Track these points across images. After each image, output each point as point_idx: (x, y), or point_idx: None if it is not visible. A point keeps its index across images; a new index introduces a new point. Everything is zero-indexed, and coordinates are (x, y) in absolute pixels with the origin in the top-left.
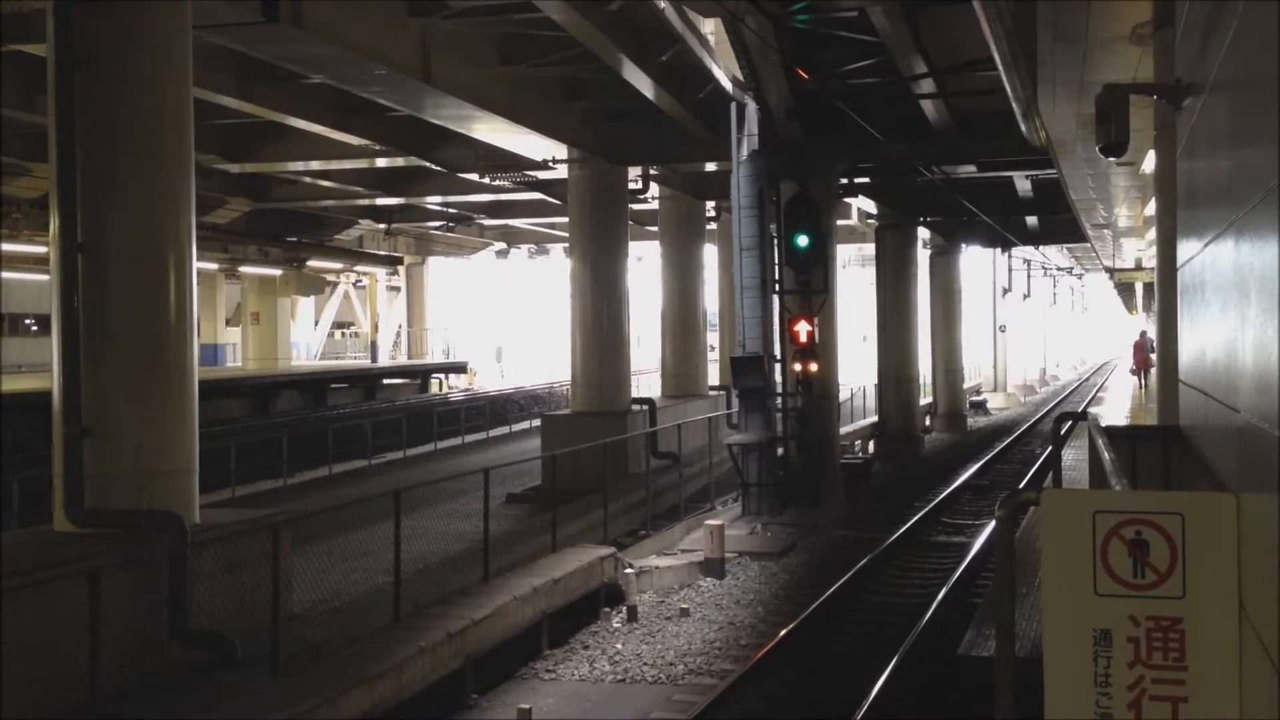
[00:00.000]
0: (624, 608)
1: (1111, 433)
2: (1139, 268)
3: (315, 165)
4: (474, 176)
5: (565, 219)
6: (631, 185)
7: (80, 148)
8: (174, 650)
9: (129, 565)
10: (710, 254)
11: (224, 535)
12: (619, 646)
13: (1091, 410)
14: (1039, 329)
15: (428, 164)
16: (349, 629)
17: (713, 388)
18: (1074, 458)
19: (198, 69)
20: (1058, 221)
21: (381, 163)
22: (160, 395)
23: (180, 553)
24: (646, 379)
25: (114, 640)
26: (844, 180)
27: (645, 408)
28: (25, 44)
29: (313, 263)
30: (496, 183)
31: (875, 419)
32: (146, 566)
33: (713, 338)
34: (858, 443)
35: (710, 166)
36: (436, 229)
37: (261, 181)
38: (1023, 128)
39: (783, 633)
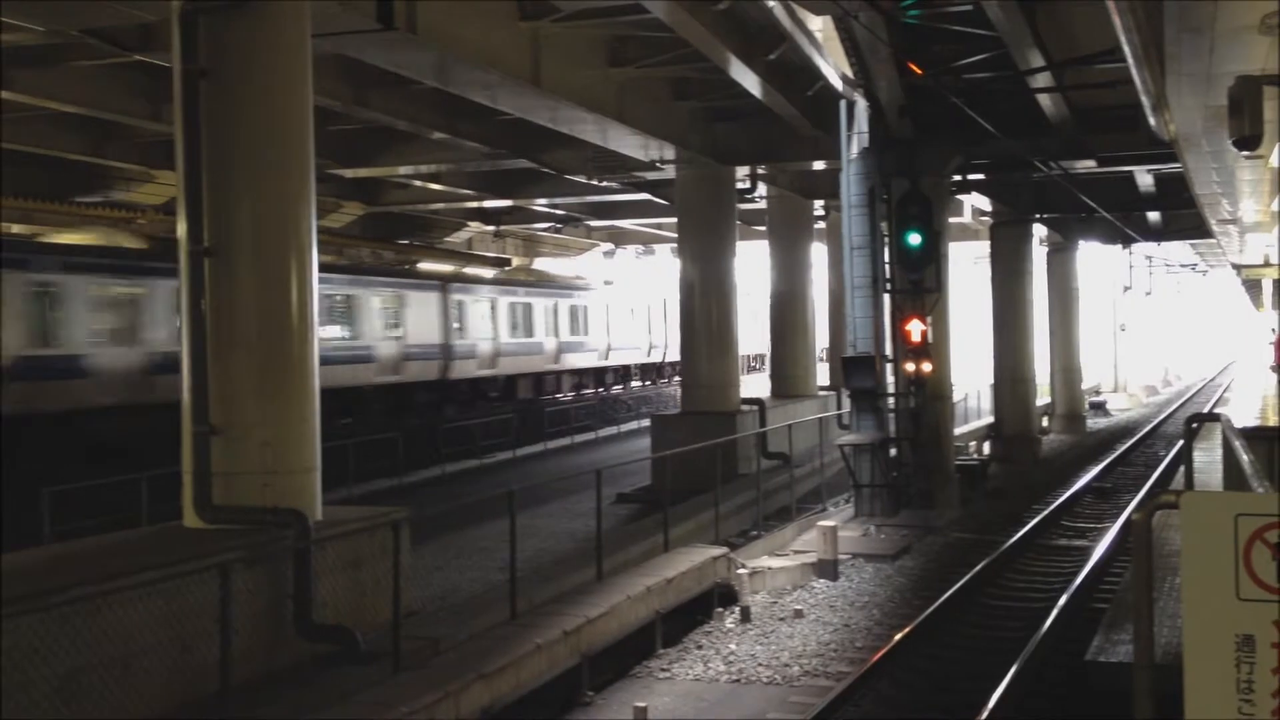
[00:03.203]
0: (737, 608)
1: (1247, 434)
2: (1267, 264)
3: (426, 169)
4: (582, 178)
5: (672, 219)
6: (739, 184)
7: (205, 154)
8: (298, 645)
9: (256, 561)
10: (819, 253)
11: (346, 532)
12: (733, 647)
13: (1220, 411)
14: (1161, 327)
15: (537, 166)
16: (466, 625)
17: (821, 388)
18: (1202, 460)
19: (315, 77)
20: (1181, 216)
21: (491, 166)
22: (284, 395)
23: (304, 549)
24: (755, 379)
25: (241, 634)
26: (957, 177)
27: (755, 408)
28: (151, 54)
29: (423, 265)
30: (604, 184)
31: (991, 420)
32: (272, 562)
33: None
34: (973, 444)
35: (819, 165)
36: (544, 230)
37: (374, 185)
38: (1151, 122)
39: (899, 636)
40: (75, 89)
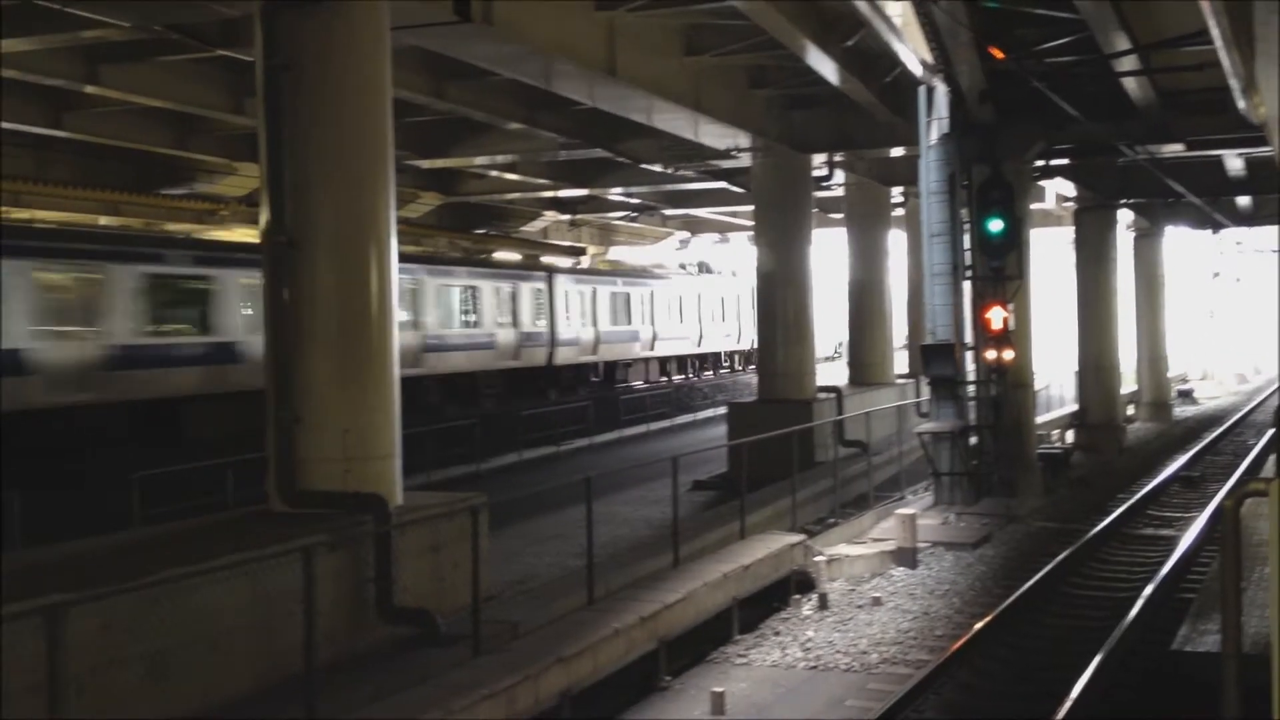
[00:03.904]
0: (814, 595)
1: None
2: None
3: (502, 159)
4: (658, 167)
5: (748, 207)
6: (816, 172)
7: (288, 147)
8: (379, 627)
9: (338, 545)
10: (897, 240)
11: (425, 517)
12: (810, 634)
13: None
14: (1252, 314)
15: (612, 155)
16: (544, 610)
17: (900, 376)
18: None
19: (393, 69)
20: (1272, 200)
21: (566, 155)
22: (364, 382)
23: (385, 533)
24: (832, 367)
25: (324, 616)
26: (1040, 162)
27: (832, 395)
28: (234, 49)
29: (499, 254)
30: (680, 173)
31: (1075, 408)
32: (354, 546)
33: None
34: (1056, 432)
35: (897, 151)
36: (619, 219)
37: (451, 176)
38: (1240, 105)
39: (979, 625)
40: (160, 84)
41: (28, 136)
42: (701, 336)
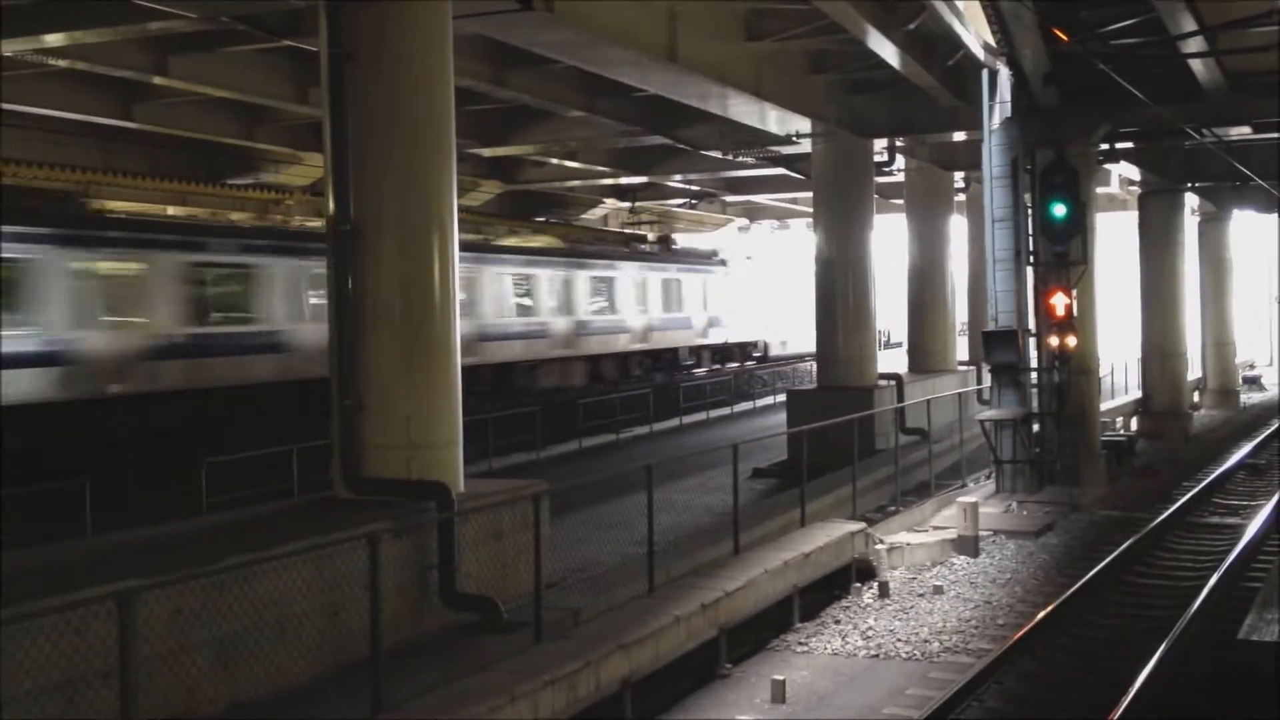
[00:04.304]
0: (875, 583)
1: None
2: None
3: (562, 147)
4: (717, 154)
5: (808, 194)
6: (877, 157)
7: (352, 136)
8: (442, 613)
9: (402, 532)
10: (958, 225)
11: (488, 504)
12: (871, 622)
13: None
14: None
15: (672, 142)
16: (605, 597)
17: (961, 363)
18: None
19: (455, 57)
20: None
21: (626, 142)
22: (427, 370)
23: (449, 520)
24: (892, 354)
25: (388, 602)
26: (1104, 146)
27: (893, 383)
28: (299, 39)
29: None
30: (739, 159)
31: (1139, 395)
32: (417, 533)
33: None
34: (1120, 420)
35: (959, 136)
36: (679, 206)
37: (512, 163)
38: None
39: (1042, 614)
40: (227, 74)
41: (97, 128)
42: (649, 330)
